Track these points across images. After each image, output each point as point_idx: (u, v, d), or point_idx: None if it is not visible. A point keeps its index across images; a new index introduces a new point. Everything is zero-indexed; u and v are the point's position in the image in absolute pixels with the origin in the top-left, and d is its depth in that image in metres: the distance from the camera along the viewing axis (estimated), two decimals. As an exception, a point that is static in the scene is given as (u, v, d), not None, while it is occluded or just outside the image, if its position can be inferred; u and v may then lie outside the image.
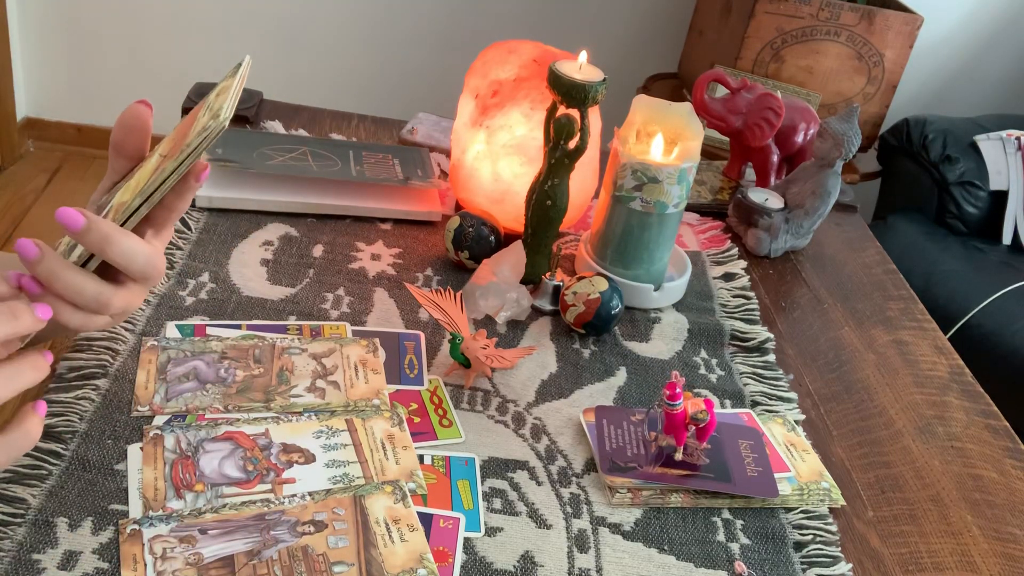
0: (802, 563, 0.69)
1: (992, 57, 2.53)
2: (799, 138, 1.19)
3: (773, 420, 0.83)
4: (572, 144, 0.87)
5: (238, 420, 0.70)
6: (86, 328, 0.51)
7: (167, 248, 0.89)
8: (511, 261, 0.90)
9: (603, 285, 0.87)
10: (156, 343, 0.76)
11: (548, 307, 0.92)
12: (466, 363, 0.80)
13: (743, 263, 1.08)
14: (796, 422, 0.84)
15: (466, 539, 0.65)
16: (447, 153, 1.16)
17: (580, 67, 0.85)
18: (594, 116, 0.95)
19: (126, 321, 0.78)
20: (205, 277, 0.86)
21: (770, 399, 0.86)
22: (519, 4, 2.47)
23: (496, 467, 0.72)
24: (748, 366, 0.90)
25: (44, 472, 0.63)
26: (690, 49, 2.32)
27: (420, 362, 0.81)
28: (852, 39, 2.00)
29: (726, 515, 0.72)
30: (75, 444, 0.65)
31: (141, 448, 0.66)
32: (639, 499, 0.71)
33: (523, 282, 0.92)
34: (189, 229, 0.92)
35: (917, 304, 1.09)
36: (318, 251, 0.94)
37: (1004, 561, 0.74)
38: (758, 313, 0.99)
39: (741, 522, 0.72)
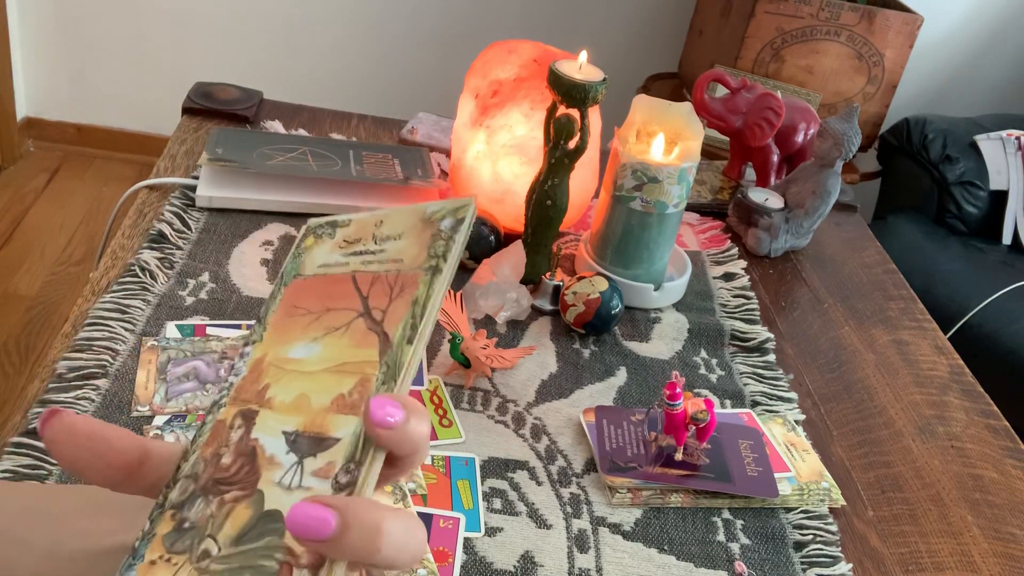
0: (802, 563, 0.69)
1: (992, 57, 2.53)
2: (799, 138, 1.19)
3: (773, 420, 0.83)
4: (572, 144, 0.87)
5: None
6: None
7: (167, 247, 0.89)
8: (511, 261, 0.90)
9: (603, 285, 0.87)
10: (156, 343, 0.76)
11: (548, 307, 0.92)
12: (466, 363, 0.80)
13: (743, 263, 1.08)
14: (796, 422, 0.84)
15: (466, 539, 0.65)
16: (447, 153, 1.16)
17: (580, 67, 0.85)
18: (594, 116, 0.95)
19: (126, 321, 0.78)
20: (205, 277, 0.86)
21: (770, 399, 0.86)
22: (519, 4, 2.47)
23: (496, 467, 0.72)
24: (748, 366, 0.90)
25: (44, 472, 0.63)
26: (690, 49, 2.32)
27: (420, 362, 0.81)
28: (852, 39, 2.00)
29: (726, 515, 0.72)
30: (75, 444, 0.65)
31: (141, 448, 0.66)
32: (639, 499, 0.71)
33: (523, 282, 0.92)
34: (189, 229, 0.92)
35: (917, 304, 1.09)
36: (318, 251, 0.94)
37: (1004, 561, 0.74)
38: (758, 313, 0.99)
39: (741, 522, 0.72)
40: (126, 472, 0.36)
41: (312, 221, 0.42)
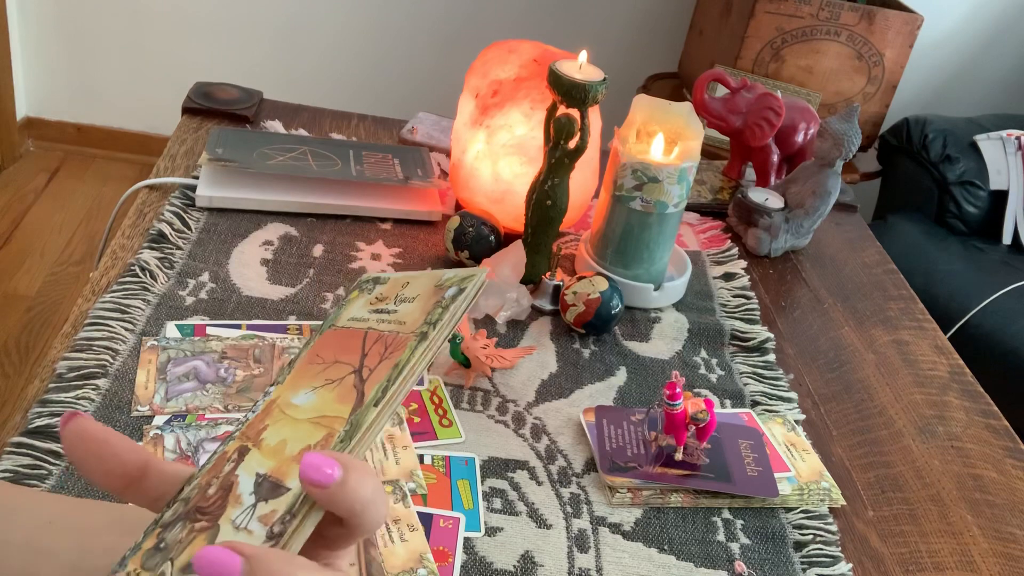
0: (802, 563, 0.69)
1: (992, 57, 2.53)
2: (799, 138, 1.19)
3: (773, 420, 0.83)
4: (572, 144, 0.87)
5: (238, 420, 0.70)
6: None
7: (167, 247, 0.89)
8: (511, 261, 0.90)
9: (603, 285, 0.87)
10: (156, 343, 0.76)
11: (548, 307, 0.92)
12: (466, 363, 0.80)
13: (743, 263, 1.08)
14: (796, 422, 0.84)
15: (466, 539, 0.65)
16: (447, 153, 1.16)
17: (580, 67, 0.85)
18: (594, 116, 0.95)
19: (126, 321, 0.78)
20: (205, 277, 0.86)
21: (770, 399, 0.86)
22: (519, 4, 2.47)
23: (496, 467, 0.72)
24: (748, 366, 0.90)
25: (44, 472, 0.63)
26: (690, 49, 2.32)
27: (420, 362, 0.81)
28: (852, 39, 2.00)
29: (726, 515, 0.72)
30: (75, 444, 0.65)
31: (141, 448, 0.66)
32: (639, 499, 0.71)
33: (523, 282, 0.92)
34: (189, 229, 0.92)
35: (917, 304, 1.09)
36: (318, 251, 0.94)
37: (1004, 561, 0.74)
38: (758, 313, 0.99)
39: (741, 522, 0.72)
40: (126, 481, 0.37)
41: (365, 276, 0.45)
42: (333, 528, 0.34)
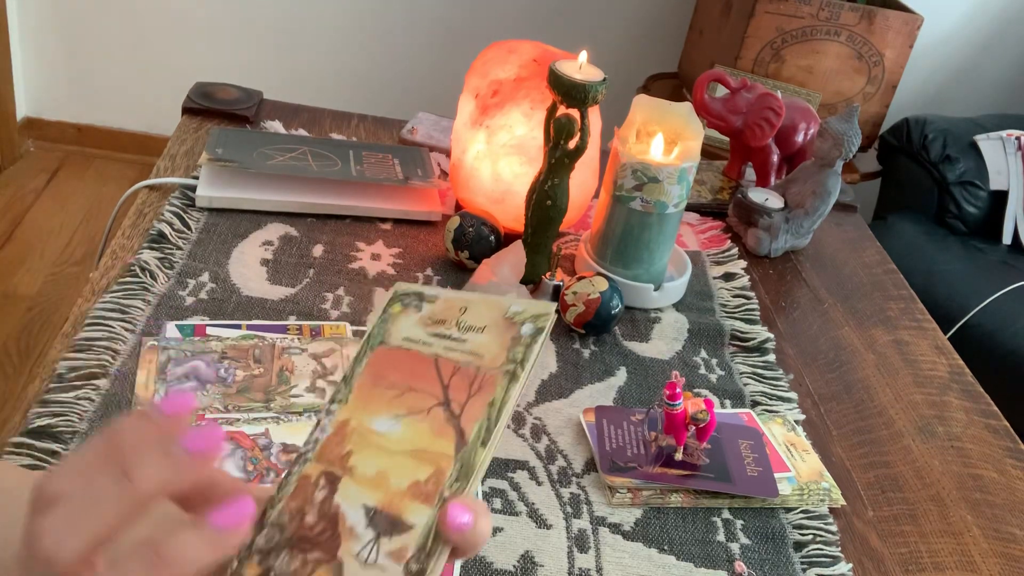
0: (802, 563, 0.69)
1: (992, 57, 2.53)
2: (799, 138, 1.19)
3: (773, 420, 0.83)
4: (572, 144, 0.87)
5: (238, 420, 0.70)
6: None
7: (167, 247, 0.89)
8: (511, 261, 0.90)
9: (603, 285, 0.87)
10: (156, 343, 0.76)
11: (548, 307, 0.92)
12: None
13: (743, 263, 1.08)
14: (796, 422, 0.84)
15: (466, 539, 0.65)
16: (447, 153, 1.16)
17: (580, 67, 0.85)
18: (594, 116, 0.95)
19: (126, 321, 0.78)
20: (205, 277, 0.86)
21: (770, 399, 0.86)
22: (519, 4, 2.47)
23: (496, 467, 0.72)
24: (748, 366, 0.90)
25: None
26: (690, 49, 2.32)
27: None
28: (852, 39, 2.00)
29: (726, 515, 0.72)
30: (75, 444, 0.65)
31: (141, 448, 0.66)
32: (639, 499, 0.71)
33: (523, 282, 0.92)
34: (189, 229, 0.92)
35: (917, 304, 1.09)
36: (318, 251, 0.94)
37: (1004, 561, 0.74)
38: (758, 313, 0.99)
39: (741, 522, 0.72)
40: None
41: (400, 287, 0.46)
42: None
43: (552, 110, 0.87)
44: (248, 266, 0.89)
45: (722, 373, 0.89)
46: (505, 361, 0.40)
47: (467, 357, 0.41)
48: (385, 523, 0.37)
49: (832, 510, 0.75)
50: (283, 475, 0.41)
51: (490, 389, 0.39)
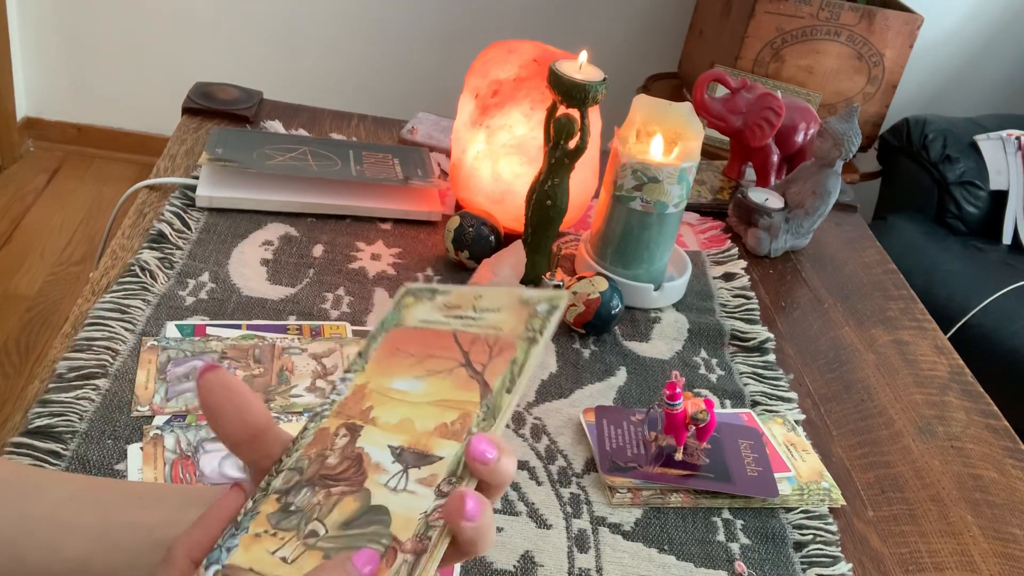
0: (802, 563, 0.69)
1: (992, 57, 2.53)
2: (799, 138, 1.19)
3: (773, 420, 0.83)
4: (572, 144, 0.87)
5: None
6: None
7: (167, 247, 0.89)
8: (511, 261, 0.90)
9: (603, 285, 0.87)
10: (156, 343, 0.76)
11: (548, 307, 0.92)
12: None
13: (743, 263, 1.08)
14: (796, 422, 0.84)
15: (466, 539, 0.65)
16: (447, 153, 1.16)
17: (580, 67, 0.85)
18: (594, 116, 0.95)
19: (126, 321, 0.78)
20: (205, 277, 0.86)
21: (770, 399, 0.86)
22: (519, 4, 2.47)
23: (496, 467, 0.72)
24: (748, 366, 0.90)
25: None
26: (690, 49, 2.32)
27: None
28: (852, 39, 2.00)
29: (726, 515, 0.72)
30: (75, 444, 0.65)
31: (141, 448, 0.66)
32: (639, 499, 0.71)
33: (523, 282, 0.92)
34: (189, 229, 0.92)
35: (917, 304, 1.09)
36: (318, 251, 0.94)
37: (1004, 561, 0.74)
38: (758, 313, 0.99)
39: (741, 522, 0.72)
40: (251, 435, 0.40)
41: (411, 284, 0.46)
42: (450, 549, 0.37)
43: (552, 110, 0.87)
44: (248, 266, 0.89)
45: (722, 373, 0.89)
46: (525, 330, 0.40)
47: (487, 330, 0.41)
48: (413, 458, 0.37)
49: (832, 510, 0.75)
50: (300, 432, 0.41)
51: (511, 351, 0.40)
